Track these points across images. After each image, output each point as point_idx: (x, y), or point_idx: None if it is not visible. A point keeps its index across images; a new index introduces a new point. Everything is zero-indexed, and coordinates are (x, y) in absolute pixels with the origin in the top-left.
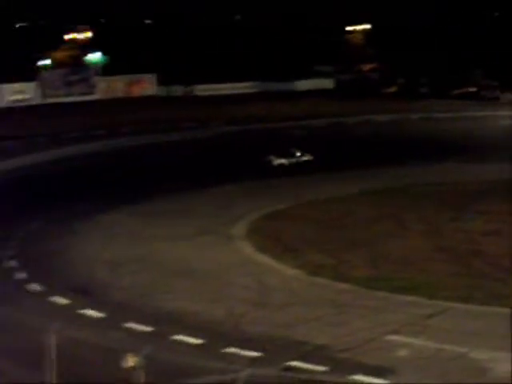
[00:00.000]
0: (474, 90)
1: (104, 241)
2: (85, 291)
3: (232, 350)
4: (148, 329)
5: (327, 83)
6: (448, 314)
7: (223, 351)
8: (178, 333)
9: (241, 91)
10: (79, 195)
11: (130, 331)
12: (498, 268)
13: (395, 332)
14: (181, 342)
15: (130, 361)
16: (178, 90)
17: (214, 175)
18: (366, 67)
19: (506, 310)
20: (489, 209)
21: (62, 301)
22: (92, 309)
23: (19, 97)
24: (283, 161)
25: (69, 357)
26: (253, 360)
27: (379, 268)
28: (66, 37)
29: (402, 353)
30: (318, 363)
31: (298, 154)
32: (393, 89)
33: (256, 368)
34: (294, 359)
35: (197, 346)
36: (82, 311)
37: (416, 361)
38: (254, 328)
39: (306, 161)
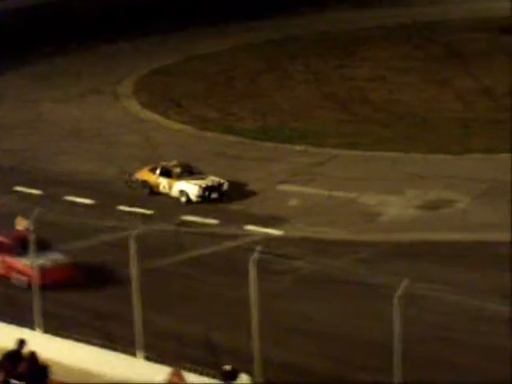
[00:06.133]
0: None
1: None
2: None
3: (124, 208)
4: (38, 192)
5: None
6: (336, 161)
7: (115, 210)
8: (69, 193)
9: None
10: None
11: (20, 195)
12: (384, 113)
13: (285, 182)
14: (72, 203)
15: (21, 224)
16: None
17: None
18: None
19: (393, 154)
20: (373, 55)
21: None
22: None
23: None
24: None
25: None
26: (146, 217)
27: (267, 119)
28: None
29: (293, 202)
30: (210, 216)
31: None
32: None
33: (150, 224)
34: (187, 214)
35: (88, 205)
36: None
37: (307, 209)
38: None
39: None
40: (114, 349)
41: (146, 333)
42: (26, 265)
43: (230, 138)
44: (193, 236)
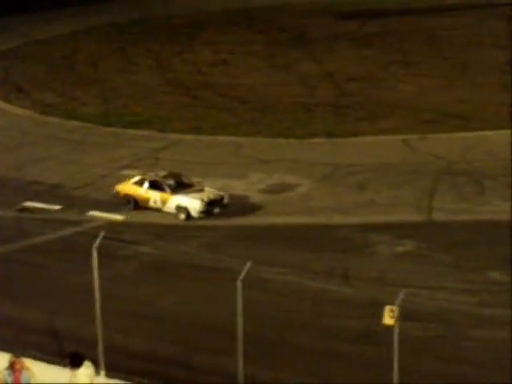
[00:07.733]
0: None
1: None
2: None
3: None
4: None
5: None
6: (179, 146)
7: None
8: None
9: None
10: None
11: None
12: (227, 98)
13: (128, 167)
14: None
15: None
16: None
17: None
18: None
19: (237, 139)
20: (215, 39)
21: None
22: None
23: None
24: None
25: None
26: None
27: (110, 104)
28: None
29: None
30: (52, 202)
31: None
32: None
33: None
34: (28, 200)
35: None
36: None
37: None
38: None
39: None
40: None
41: None
42: None
43: (73, 123)
44: (35, 222)
